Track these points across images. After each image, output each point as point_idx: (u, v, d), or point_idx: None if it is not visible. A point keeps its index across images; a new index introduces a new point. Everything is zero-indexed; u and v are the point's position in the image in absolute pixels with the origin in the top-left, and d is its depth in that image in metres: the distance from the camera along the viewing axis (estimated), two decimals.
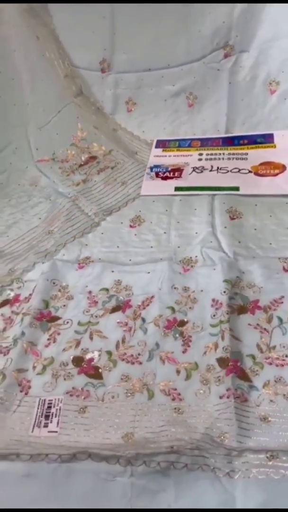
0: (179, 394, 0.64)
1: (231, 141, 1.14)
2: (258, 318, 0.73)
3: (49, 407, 0.64)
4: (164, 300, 0.77)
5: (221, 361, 0.67)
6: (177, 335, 0.72)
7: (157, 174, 1.07)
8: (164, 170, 1.08)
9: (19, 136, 1.17)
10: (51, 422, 0.63)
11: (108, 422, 0.62)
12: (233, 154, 1.10)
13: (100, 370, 0.69)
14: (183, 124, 1.18)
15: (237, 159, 1.09)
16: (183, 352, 0.70)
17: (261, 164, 1.06)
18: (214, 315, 0.74)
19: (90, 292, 0.81)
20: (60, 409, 0.64)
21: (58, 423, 0.62)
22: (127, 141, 1.18)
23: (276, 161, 1.06)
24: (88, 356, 0.71)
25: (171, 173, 1.07)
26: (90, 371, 0.69)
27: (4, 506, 0.56)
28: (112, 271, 0.84)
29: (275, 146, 1.10)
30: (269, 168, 1.05)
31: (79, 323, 0.76)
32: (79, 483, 0.57)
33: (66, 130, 1.15)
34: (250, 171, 1.05)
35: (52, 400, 0.65)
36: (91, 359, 0.70)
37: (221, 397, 0.63)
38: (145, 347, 0.71)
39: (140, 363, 0.69)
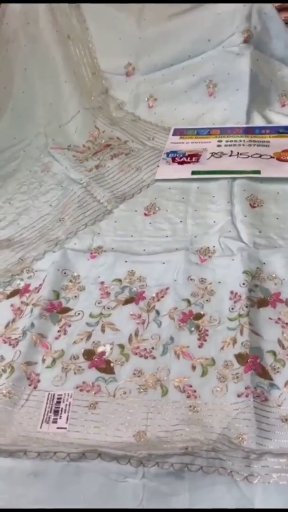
0: (195, 391, 0.61)
1: (252, 130, 1.09)
2: (279, 312, 0.69)
3: (58, 402, 0.62)
4: (179, 292, 0.74)
5: (240, 357, 0.64)
6: (193, 329, 0.69)
7: (173, 159, 1.03)
8: (181, 155, 1.04)
9: (37, 132, 1.19)
10: (60, 418, 0.61)
11: (119, 419, 0.60)
12: (254, 141, 1.05)
13: (111, 364, 0.66)
14: (203, 114, 1.14)
15: (258, 145, 1.04)
16: (199, 346, 0.67)
17: (284, 151, 1.01)
18: (232, 308, 0.70)
19: (102, 282, 0.78)
20: (69, 405, 0.62)
21: (67, 419, 0.60)
22: (144, 129, 1.15)
23: None
24: (99, 350, 0.68)
25: (188, 158, 1.02)
26: (101, 365, 0.66)
27: (10, 505, 0.54)
28: (126, 261, 0.81)
29: None
30: None
31: (91, 315, 0.73)
32: (88, 483, 0.54)
33: (84, 128, 1.15)
34: (272, 157, 1.00)
35: (61, 394, 0.63)
36: (103, 353, 0.68)
37: (239, 396, 0.59)
38: (159, 340, 0.68)
39: (154, 357, 0.66)
